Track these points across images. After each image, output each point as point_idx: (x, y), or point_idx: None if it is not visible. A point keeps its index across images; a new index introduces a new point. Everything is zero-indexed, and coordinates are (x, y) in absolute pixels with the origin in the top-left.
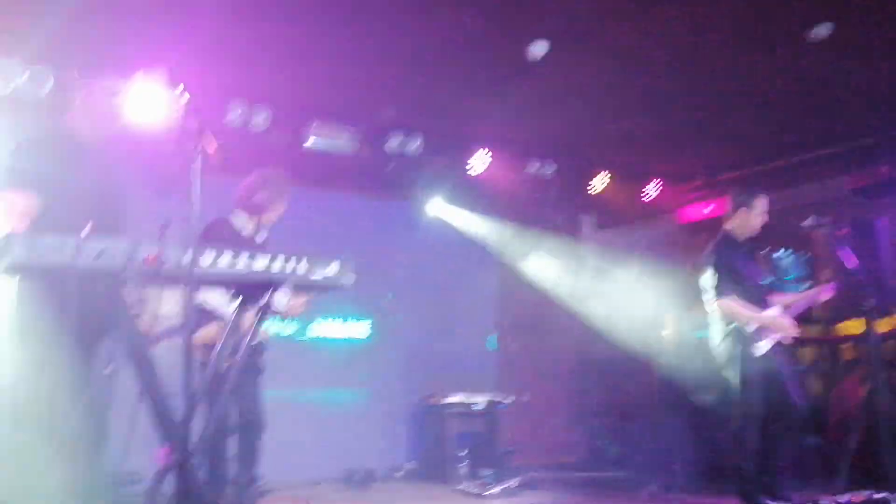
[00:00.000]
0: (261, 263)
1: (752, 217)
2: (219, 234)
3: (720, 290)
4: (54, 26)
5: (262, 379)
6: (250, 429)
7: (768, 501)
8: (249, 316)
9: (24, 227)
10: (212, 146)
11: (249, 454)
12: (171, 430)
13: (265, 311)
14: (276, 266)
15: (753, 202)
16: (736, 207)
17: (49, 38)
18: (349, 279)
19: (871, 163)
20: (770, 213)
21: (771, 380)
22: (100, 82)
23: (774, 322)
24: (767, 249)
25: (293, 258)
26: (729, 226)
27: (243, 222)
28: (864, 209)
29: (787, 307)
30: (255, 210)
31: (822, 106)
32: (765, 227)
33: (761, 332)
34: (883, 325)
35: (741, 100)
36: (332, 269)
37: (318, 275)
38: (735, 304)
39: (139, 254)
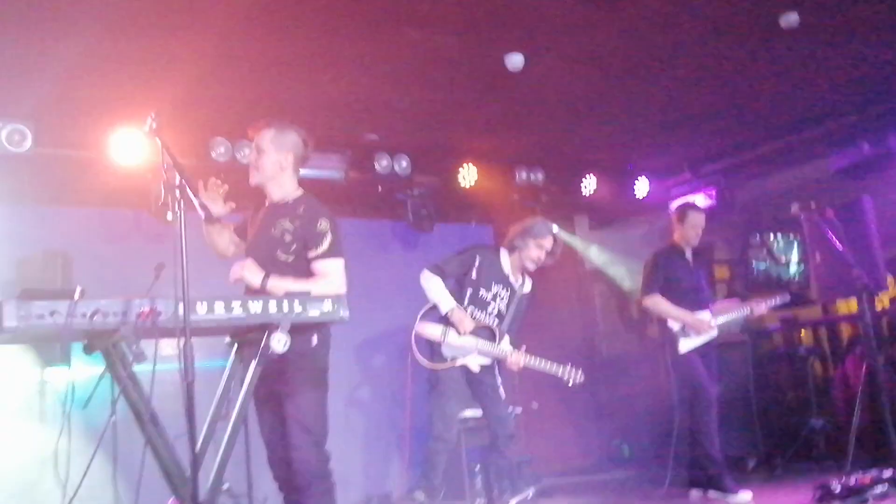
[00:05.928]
0: (256, 307)
1: (686, 230)
2: (471, 262)
3: (647, 289)
4: (32, 81)
5: (498, 393)
6: (498, 444)
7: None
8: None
9: None
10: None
11: (505, 469)
12: (179, 482)
13: (264, 354)
14: (272, 307)
15: (686, 217)
16: (675, 221)
17: (27, 93)
18: (345, 313)
19: (853, 142)
20: (758, 198)
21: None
22: None
23: (694, 321)
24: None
25: (286, 300)
26: (674, 237)
27: (506, 261)
28: (850, 188)
29: (719, 313)
30: (511, 249)
31: (800, 90)
32: (757, 213)
33: (685, 330)
34: (877, 303)
35: (719, 92)
36: (327, 305)
37: (315, 312)
38: (661, 301)
39: (133, 310)
